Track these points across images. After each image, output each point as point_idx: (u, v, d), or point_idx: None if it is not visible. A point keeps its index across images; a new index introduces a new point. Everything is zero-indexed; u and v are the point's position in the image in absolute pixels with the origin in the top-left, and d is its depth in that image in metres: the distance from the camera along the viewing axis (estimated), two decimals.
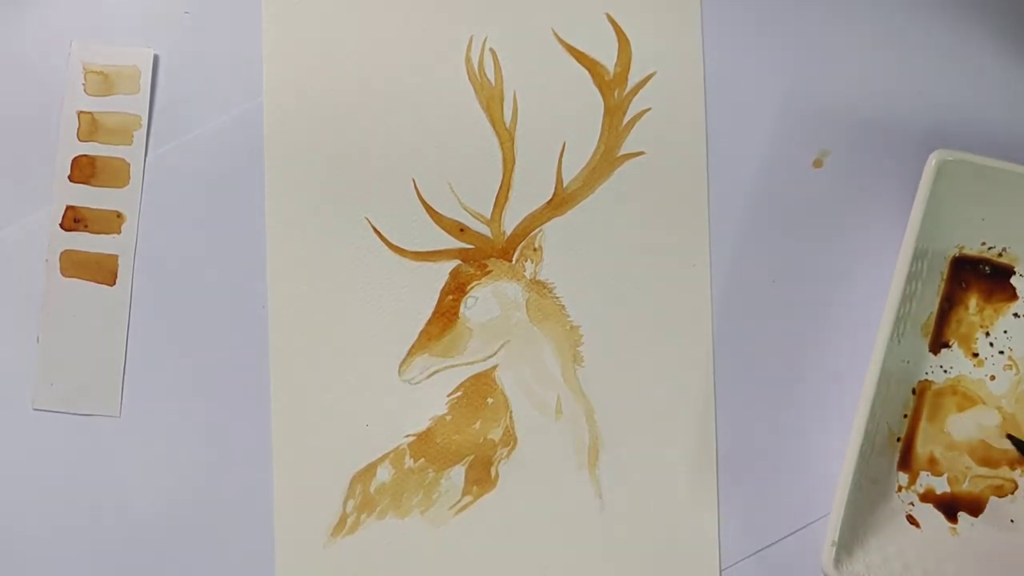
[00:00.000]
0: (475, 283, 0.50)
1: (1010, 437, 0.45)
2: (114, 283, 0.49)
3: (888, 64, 0.51)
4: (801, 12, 0.51)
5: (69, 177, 0.49)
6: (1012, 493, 0.49)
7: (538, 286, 0.50)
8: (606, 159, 0.50)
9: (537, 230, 0.50)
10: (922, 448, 0.50)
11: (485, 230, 0.50)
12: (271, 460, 0.49)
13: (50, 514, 0.49)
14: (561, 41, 0.50)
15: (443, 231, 0.50)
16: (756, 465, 0.50)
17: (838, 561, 0.44)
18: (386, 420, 0.49)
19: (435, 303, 0.50)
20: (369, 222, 0.50)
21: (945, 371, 0.50)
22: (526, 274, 0.50)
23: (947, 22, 0.51)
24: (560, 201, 0.50)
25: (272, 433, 0.49)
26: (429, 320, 0.49)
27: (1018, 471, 0.49)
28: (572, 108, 0.50)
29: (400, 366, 0.49)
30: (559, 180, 0.50)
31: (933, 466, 0.50)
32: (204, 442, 0.49)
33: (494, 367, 0.50)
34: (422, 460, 0.49)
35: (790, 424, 0.50)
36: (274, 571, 0.48)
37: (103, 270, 0.49)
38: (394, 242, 0.50)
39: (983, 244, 0.50)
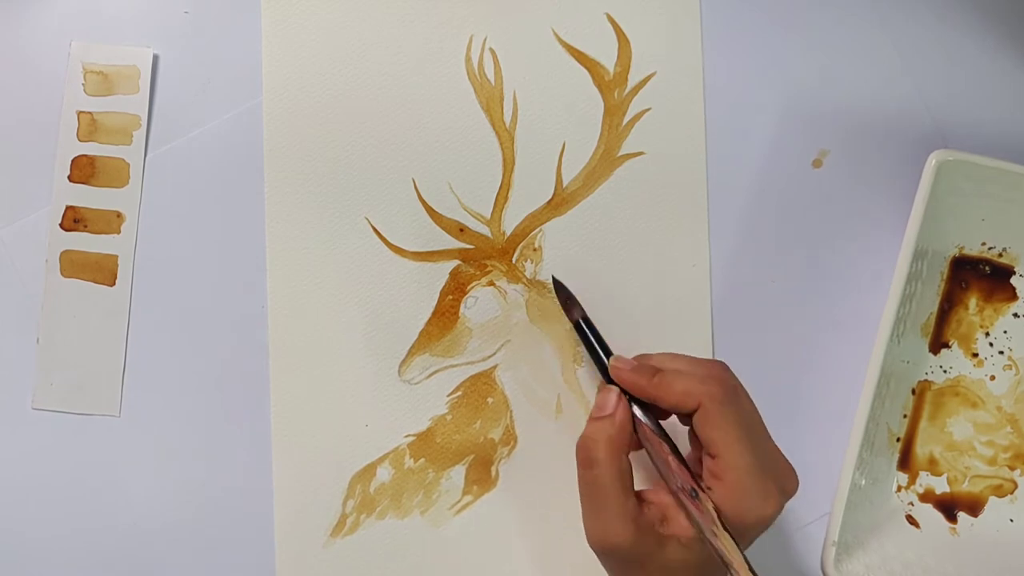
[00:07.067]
0: (475, 283, 0.50)
1: None
2: (114, 283, 0.49)
3: (888, 64, 0.51)
4: (801, 12, 0.51)
5: (69, 177, 0.49)
6: (1011, 493, 0.49)
7: (538, 286, 0.50)
8: (606, 159, 0.50)
9: (537, 230, 0.50)
10: (922, 448, 0.50)
11: (485, 230, 0.50)
12: (271, 460, 0.49)
13: (50, 514, 0.49)
14: (561, 41, 0.50)
15: (443, 231, 0.50)
16: None
17: (838, 561, 0.44)
18: (386, 420, 0.49)
19: (435, 303, 0.50)
20: (369, 222, 0.50)
21: (945, 371, 0.50)
22: (526, 274, 0.50)
23: (947, 22, 0.51)
24: (560, 201, 0.50)
25: (272, 433, 0.49)
26: (429, 320, 0.49)
27: (1018, 471, 0.49)
28: (572, 108, 0.50)
29: (400, 366, 0.49)
30: (559, 180, 0.50)
31: (933, 466, 0.50)
32: (204, 442, 0.49)
33: (494, 367, 0.50)
34: (422, 460, 0.49)
35: (790, 424, 0.50)
36: (274, 571, 0.48)
37: (103, 270, 0.49)
38: (394, 242, 0.50)
39: (983, 244, 0.50)
